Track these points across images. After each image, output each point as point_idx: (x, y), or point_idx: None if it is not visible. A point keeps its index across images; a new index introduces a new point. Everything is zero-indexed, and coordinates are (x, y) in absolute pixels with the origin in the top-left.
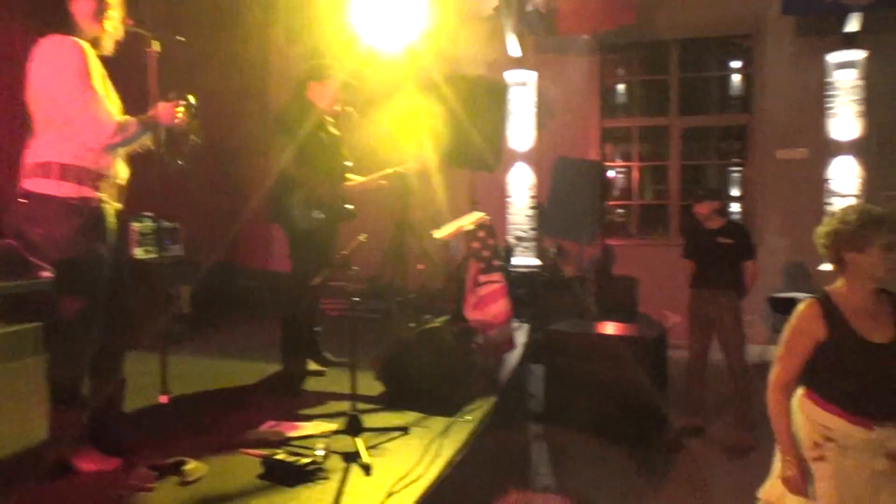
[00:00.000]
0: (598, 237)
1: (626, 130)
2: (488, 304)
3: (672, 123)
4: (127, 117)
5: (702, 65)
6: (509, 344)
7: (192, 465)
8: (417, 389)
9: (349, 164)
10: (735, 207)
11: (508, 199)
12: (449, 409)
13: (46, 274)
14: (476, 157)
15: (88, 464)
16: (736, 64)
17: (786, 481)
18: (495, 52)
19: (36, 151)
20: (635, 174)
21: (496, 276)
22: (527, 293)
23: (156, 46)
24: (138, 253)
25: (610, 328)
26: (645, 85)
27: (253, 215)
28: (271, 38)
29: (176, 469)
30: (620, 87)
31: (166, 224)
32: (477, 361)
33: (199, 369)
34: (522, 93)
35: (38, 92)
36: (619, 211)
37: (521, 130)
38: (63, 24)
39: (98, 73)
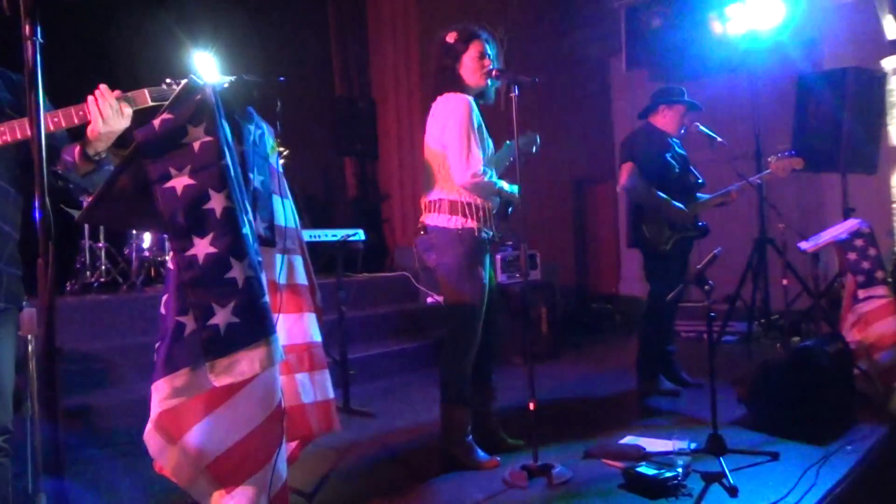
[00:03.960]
0: None
1: None
2: (872, 323)
3: None
4: (496, 178)
5: None
6: None
7: (558, 470)
8: (786, 414)
9: (700, 181)
10: None
11: (895, 204)
12: (823, 437)
13: (431, 300)
14: (848, 158)
15: (473, 460)
16: None
17: None
18: (868, 37)
19: (430, 192)
20: None
21: (880, 291)
22: None
23: (517, 91)
24: (502, 278)
25: None
26: None
27: (603, 240)
28: (612, 66)
29: (545, 472)
30: None
31: (526, 252)
32: (858, 387)
33: (559, 383)
34: None
35: (432, 139)
36: None
37: None
38: (455, 84)
39: (477, 122)
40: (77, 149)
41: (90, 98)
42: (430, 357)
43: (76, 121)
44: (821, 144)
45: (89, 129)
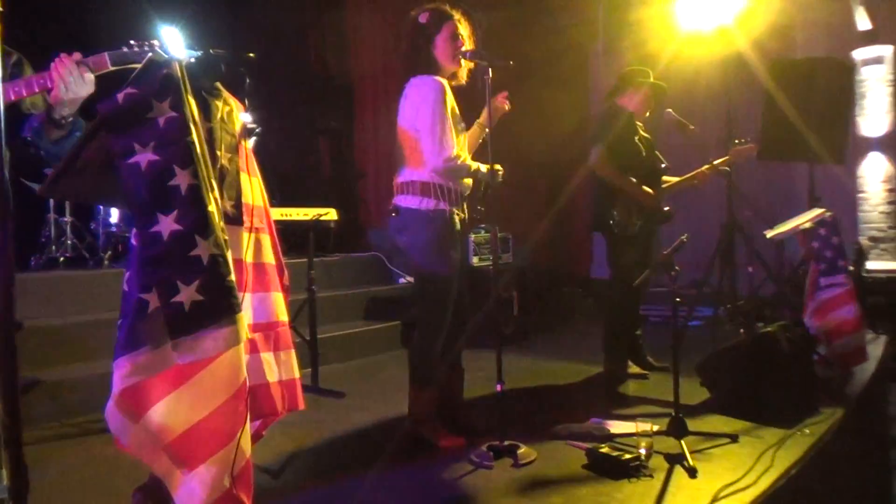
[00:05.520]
0: None
1: None
2: (832, 310)
3: None
4: (469, 160)
5: None
6: (859, 355)
7: (524, 450)
8: (747, 398)
9: (664, 165)
10: None
11: (860, 195)
12: (783, 420)
13: (404, 281)
14: (815, 148)
15: (439, 440)
16: None
17: None
18: (840, 27)
19: (403, 173)
20: None
21: (841, 279)
22: (886, 301)
23: (490, 74)
24: (475, 261)
25: None
26: None
27: (575, 224)
28: (590, 50)
29: (510, 452)
30: None
31: (499, 234)
32: (818, 372)
33: (528, 366)
34: (876, 71)
35: (404, 121)
36: None
37: (875, 114)
38: (428, 65)
39: (450, 104)
40: (43, 115)
41: (51, 66)
42: (401, 338)
43: (37, 89)
44: (790, 133)
45: (51, 95)
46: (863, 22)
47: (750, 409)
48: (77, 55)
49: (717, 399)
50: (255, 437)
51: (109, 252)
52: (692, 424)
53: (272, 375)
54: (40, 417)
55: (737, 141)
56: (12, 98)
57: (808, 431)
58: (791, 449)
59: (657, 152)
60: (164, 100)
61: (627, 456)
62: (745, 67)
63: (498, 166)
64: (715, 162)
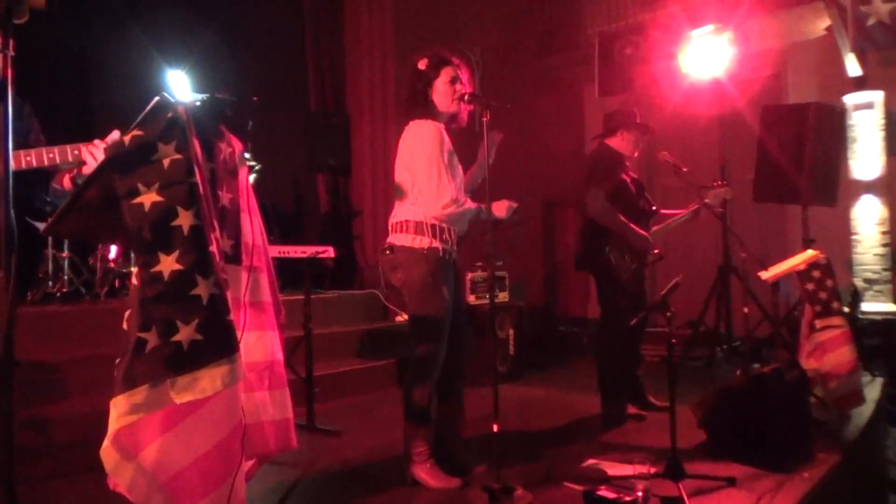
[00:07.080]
0: None
1: None
2: (827, 352)
3: None
4: (466, 199)
5: None
6: (855, 398)
7: (520, 492)
8: (744, 440)
9: (654, 207)
10: None
11: (854, 237)
12: (781, 464)
13: (400, 318)
14: (810, 190)
15: (434, 480)
16: None
17: None
18: (831, 74)
19: (397, 213)
20: None
21: (836, 321)
22: (881, 343)
23: (487, 116)
24: (471, 299)
25: None
26: None
27: (572, 263)
28: (585, 93)
29: (506, 493)
30: None
31: (496, 273)
32: (814, 415)
33: (525, 405)
34: (867, 116)
35: (401, 164)
36: None
37: (868, 158)
38: (426, 109)
39: (447, 148)
40: (66, 177)
41: (88, 147)
42: (397, 375)
43: (70, 158)
44: (784, 176)
45: (82, 168)
46: (853, 68)
47: (747, 452)
48: (115, 134)
49: (714, 441)
50: (248, 476)
51: (107, 288)
52: (690, 467)
53: (266, 414)
54: (30, 454)
55: (713, 184)
56: (45, 163)
57: (805, 475)
58: (788, 493)
59: (647, 195)
60: (169, 142)
61: (625, 499)
62: (738, 111)
63: (506, 202)
64: (691, 208)
